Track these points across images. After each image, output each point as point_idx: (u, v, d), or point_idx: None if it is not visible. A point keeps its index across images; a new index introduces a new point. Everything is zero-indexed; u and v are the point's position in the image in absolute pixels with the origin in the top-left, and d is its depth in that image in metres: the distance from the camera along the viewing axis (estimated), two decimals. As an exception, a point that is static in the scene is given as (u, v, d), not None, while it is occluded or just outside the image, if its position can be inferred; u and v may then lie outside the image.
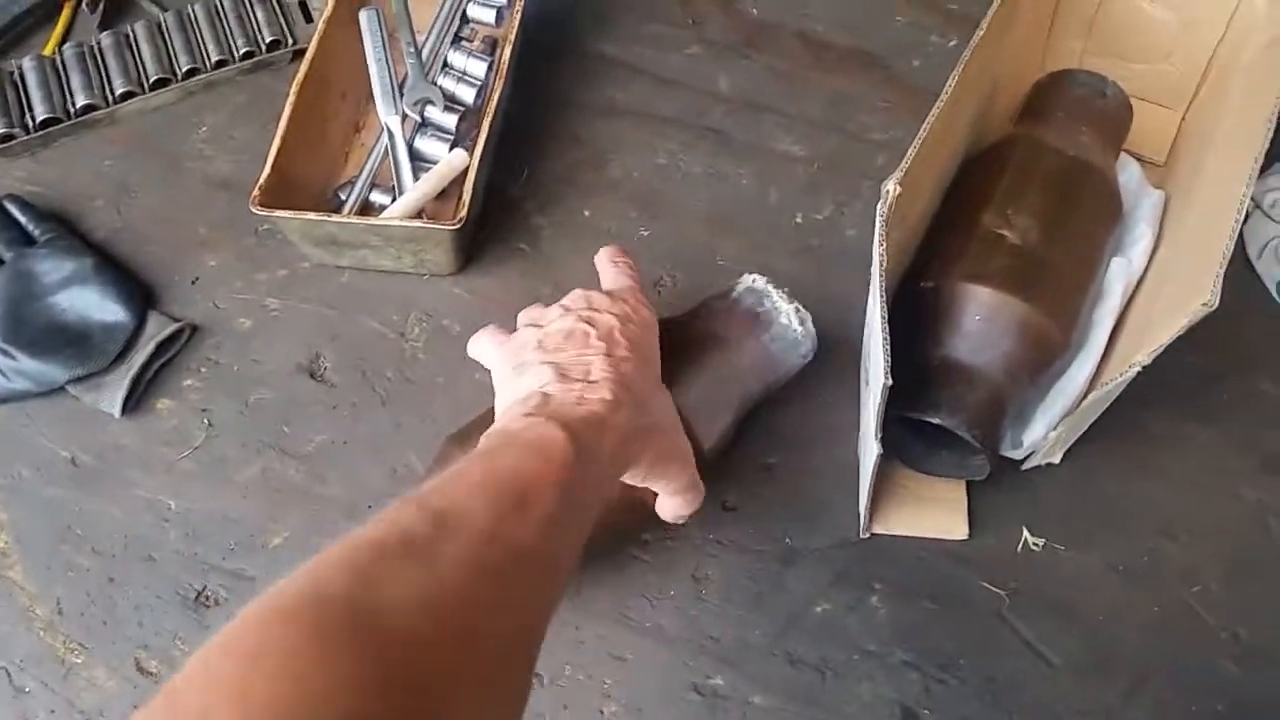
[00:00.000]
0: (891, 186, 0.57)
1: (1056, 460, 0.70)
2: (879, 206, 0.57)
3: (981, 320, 0.64)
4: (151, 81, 0.89)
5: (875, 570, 0.69)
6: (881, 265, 0.56)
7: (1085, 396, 0.67)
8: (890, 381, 0.54)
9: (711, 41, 0.92)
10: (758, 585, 0.69)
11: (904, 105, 0.87)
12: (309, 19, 0.93)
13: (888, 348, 0.54)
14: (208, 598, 0.70)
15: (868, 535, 0.69)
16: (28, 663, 0.68)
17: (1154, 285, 0.69)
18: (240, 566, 0.71)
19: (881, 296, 0.56)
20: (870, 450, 0.62)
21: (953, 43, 0.90)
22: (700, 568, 0.69)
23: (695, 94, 0.89)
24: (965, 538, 0.69)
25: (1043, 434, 0.66)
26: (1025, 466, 0.70)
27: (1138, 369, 0.58)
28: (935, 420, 0.62)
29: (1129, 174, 0.75)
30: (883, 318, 0.55)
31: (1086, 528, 0.69)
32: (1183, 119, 0.81)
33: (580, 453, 0.48)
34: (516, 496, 0.44)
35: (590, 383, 0.54)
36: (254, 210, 0.74)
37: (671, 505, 0.60)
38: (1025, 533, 0.69)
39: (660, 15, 0.94)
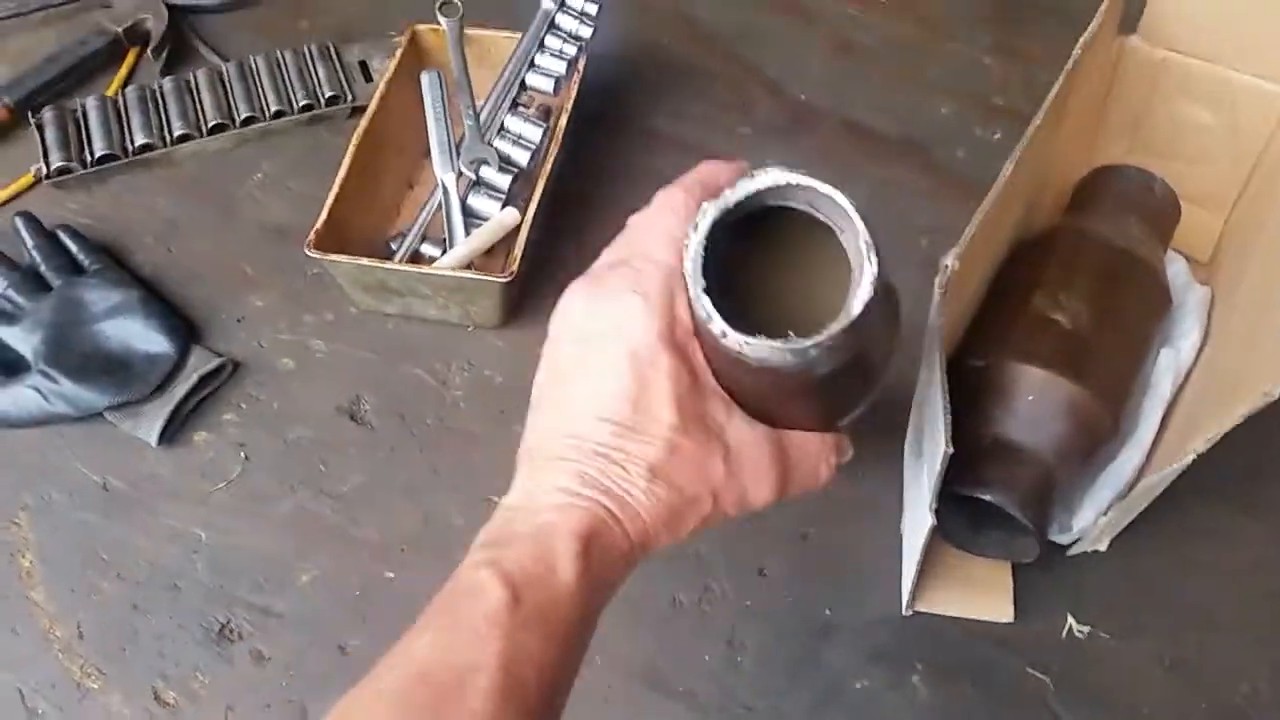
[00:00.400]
0: (951, 261, 0.57)
1: (1103, 547, 0.69)
2: (938, 279, 0.57)
3: (1033, 400, 0.64)
4: (210, 126, 0.91)
5: (916, 649, 0.68)
6: (941, 336, 0.56)
7: (1134, 485, 0.67)
8: (951, 450, 0.53)
9: (759, 124, 0.94)
10: (795, 656, 0.67)
11: (947, 193, 0.88)
12: (369, 79, 0.95)
13: (948, 416, 0.54)
14: (231, 631, 0.68)
15: (910, 613, 0.68)
16: (43, 685, 0.66)
17: (1203, 379, 0.70)
18: (267, 602, 0.69)
19: (942, 366, 0.56)
20: (921, 523, 0.61)
21: (996, 135, 0.92)
22: (737, 633, 0.68)
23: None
24: (1010, 620, 0.68)
25: (1092, 519, 0.66)
26: (1071, 552, 0.70)
27: (1193, 456, 0.58)
28: (987, 497, 0.61)
29: (1176, 269, 0.76)
30: (943, 386, 0.55)
31: (1132, 617, 0.68)
32: (1226, 220, 0.82)
33: (552, 609, 0.42)
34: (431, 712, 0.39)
35: (622, 497, 0.45)
36: (308, 253, 0.74)
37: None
38: (1070, 619, 0.68)
39: (711, 96, 0.96)
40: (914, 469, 0.68)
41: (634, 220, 0.48)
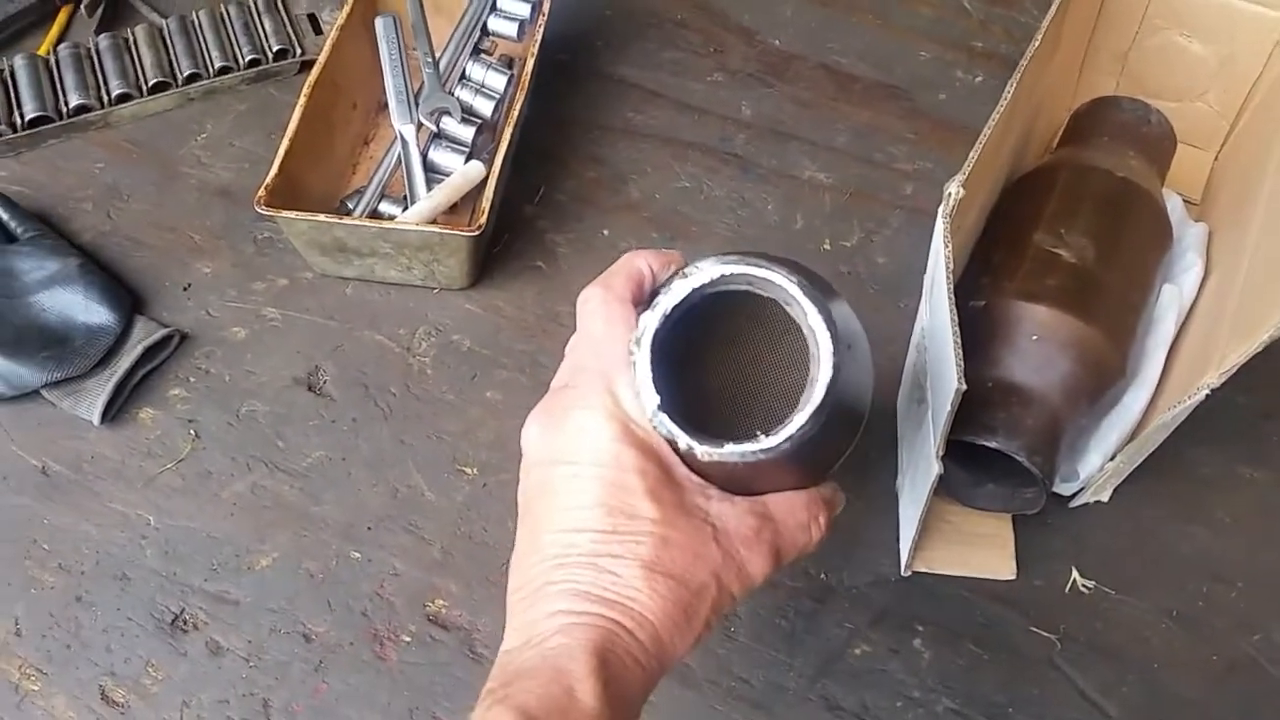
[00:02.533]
0: (955, 189, 0.54)
1: (1105, 497, 0.66)
2: (941, 209, 0.54)
3: (1037, 340, 0.61)
4: (150, 85, 0.85)
5: (917, 611, 0.64)
6: (948, 268, 0.52)
7: (1140, 428, 0.64)
8: (964, 386, 0.50)
9: (733, 70, 0.90)
10: (791, 624, 0.64)
11: (931, 137, 0.84)
12: (318, 31, 0.90)
13: (959, 349, 0.50)
14: (185, 622, 0.63)
15: (909, 574, 0.65)
16: (-21, 687, 0.61)
17: (1208, 316, 0.66)
18: (223, 589, 0.65)
19: (950, 297, 0.52)
20: (924, 476, 0.57)
21: (978, 78, 0.88)
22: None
23: (717, 120, 0.86)
24: (1012, 578, 0.64)
25: (1098, 465, 0.62)
26: (1074, 504, 0.66)
27: (1207, 391, 0.55)
28: (992, 444, 0.58)
29: (1172, 205, 0.72)
30: (953, 317, 0.51)
31: (1137, 570, 0.65)
32: (1216, 157, 0.79)
33: None
34: None
35: (623, 603, 0.42)
36: (259, 210, 0.69)
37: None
38: (1075, 573, 0.65)
39: (681, 43, 0.92)
40: (912, 420, 0.64)
41: (570, 344, 0.46)
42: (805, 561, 0.65)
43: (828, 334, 0.40)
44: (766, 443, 0.40)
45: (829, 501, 0.48)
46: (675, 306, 0.42)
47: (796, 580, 0.65)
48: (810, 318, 0.41)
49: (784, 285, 0.41)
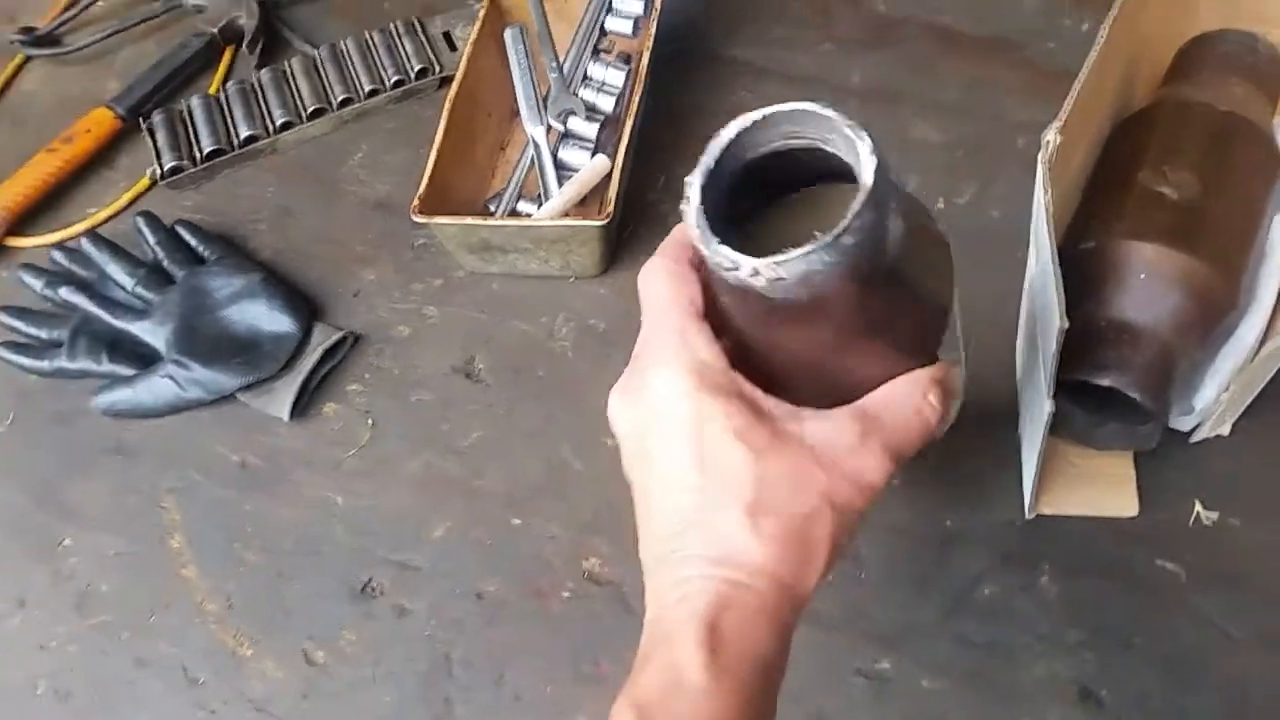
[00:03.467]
0: (1052, 135, 0.56)
1: (1226, 431, 0.67)
2: (1040, 156, 0.56)
3: (1145, 278, 0.62)
4: (309, 111, 0.94)
5: (1042, 550, 0.67)
6: (1048, 212, 0.55)
7: (1255, 356, 0.65)
8: (1067, 324, 0.52)
9: (841, 39, 0.93)
10: (920, 567, 0.67)
11: (1042, 88, 0.85)
12: (453, 48, 0.97)
13: (1061, 291, 0.53)
14: (373, 588, 0.72)
15: (1033, 516, 0.67)
16: (202, 656, 0.71)
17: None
18: (405, 557, 0.73)
19: (1052, 242, 0.55)
20: (1039, 416, 0.60)
21: (1085, 25, 0.89)
22: (859, 549, 0.68)
23: (829, 89, 0.89)
24: (1135, 514, 0.66)
25: (1214, 396, 0.64)
26: (1194, 439, 0.68)
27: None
28: (1104, 382, 0.60)
29: (1285, 133, 0.72)
30: (1054, 259, 0.54)
31: (1261, 500, 0.66)
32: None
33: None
34: None
35: (731, 556, 0.42)
36: (414, 218, 0.77)
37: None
38: (1198, 506, 0.66)
39: (788, 17, 0.95)
40: (1029, 363, 0.66)
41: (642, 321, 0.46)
42: (932, 507, 0.69)
43: (865, 140, 0.39)
44: (827, 236, 0.38)
45: (939, 381, 0.45)
46: (718, 161, 0.41)
47: (924, 526, 0.69)
48: (844, 128, 0.40)
49: (811, 110, 0.40)
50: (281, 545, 0.75)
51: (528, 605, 0.70)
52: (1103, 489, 0.67)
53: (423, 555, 0.73)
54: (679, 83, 0.92)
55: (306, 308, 0.83)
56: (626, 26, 0.88)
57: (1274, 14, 0.77)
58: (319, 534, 0.75)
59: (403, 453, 0.77)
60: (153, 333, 0.82)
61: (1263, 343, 0.65)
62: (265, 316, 0.82)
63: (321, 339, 0.81)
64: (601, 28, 0.88)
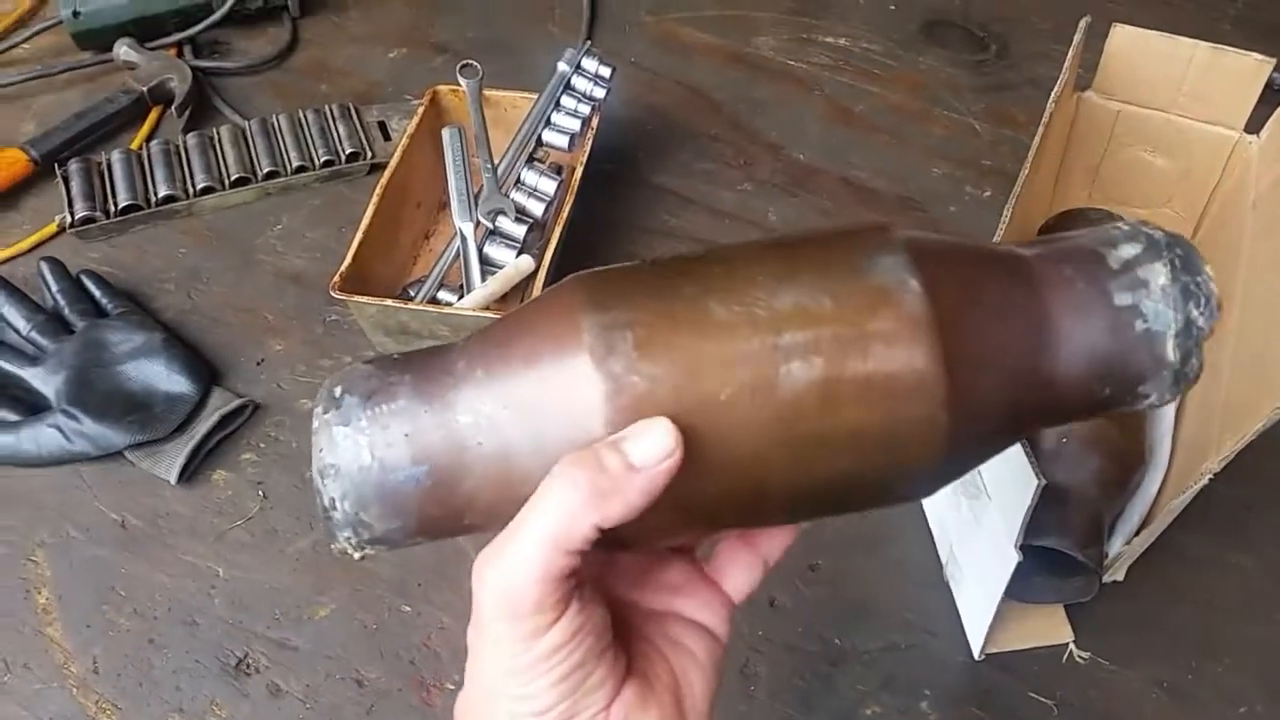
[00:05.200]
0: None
1: (1120, 577, 0.71)
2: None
3: (1066, 442, 0.67)
4: (232, 180, 0.94)
5: (923, 676, 0.69)
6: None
7: (1153, 509, 0.70)
8: (1044, 481, 0.55)
9: (761, 180, 0.98)
10: (807, 685, 0.69)
11: (944, 248, 0.92)
12: (387, 137, 0.99)
13: (1029, 448, 0.56)
14: (248, 665, 0.69)
15: (983, 657, 0.69)
16: (57, 720, 0.67)
17: (1196, 409, 0.73)
18: (284, 636, 0.70)
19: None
20: (1000, 565, 0.62)
21: (987, 193, 0.96)
22: (749, 664, 0.69)
23: (746, 225, 0.94)
24: (1070, 640, 0.70)
25: (1120, 547, 0.68)
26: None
27: (1208, 477, 0.61)
28: (1047, 544, 0.63)
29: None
30: None
31: (1130, 644, 0.70)
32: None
33: None
34: None
35: None
36: (334, 294, 0.77)
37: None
38: (1072, 645, 0.70)
39: (714, 155, 1.00)
40: (966, 512, 0.68)
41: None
42: (821, 626, 0.70)
43: None
44: None
45: (579, 460, 0.35)
46: None
47: (812, 645, 0.70)
48: None
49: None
50: (155, 611, 0.71)
51: (410, 696, 0.68)
52: (1035, 621, 0.70)
53: (303, 635, 0.70)
54: (608, 198, 0.96)
55: (207, 371, 0.82)
56: (563, 141, 0.91)
57: (1126, 196, 0.87)
58: (196, 604, 0.72)
59: (292, 528, 0.75)
60: (44, 380, 0.79)
61: (1159, 494, 0.71)
62: (163, 376, 0.80)
63: (219, 404, 0.80)
64: (539, 139, 0.91)
